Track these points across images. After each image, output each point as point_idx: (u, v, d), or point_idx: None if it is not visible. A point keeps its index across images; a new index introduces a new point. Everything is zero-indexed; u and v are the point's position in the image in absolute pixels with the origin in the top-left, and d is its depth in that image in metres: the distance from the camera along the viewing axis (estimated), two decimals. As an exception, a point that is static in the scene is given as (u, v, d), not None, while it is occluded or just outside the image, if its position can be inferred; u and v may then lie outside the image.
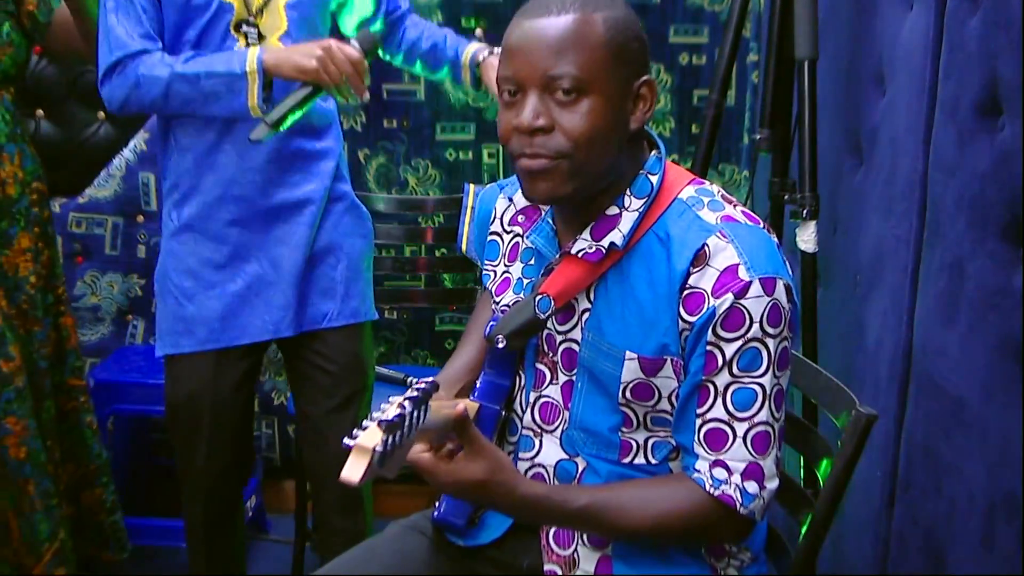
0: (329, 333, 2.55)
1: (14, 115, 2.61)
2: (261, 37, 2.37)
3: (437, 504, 1.86)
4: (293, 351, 2.58)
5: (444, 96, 3.48)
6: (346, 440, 1.36)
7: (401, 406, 1.38)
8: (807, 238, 2.39)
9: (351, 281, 2.56)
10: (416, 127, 3.50)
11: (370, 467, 1.34)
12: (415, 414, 1.40)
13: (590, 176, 1.59)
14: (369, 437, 1.35)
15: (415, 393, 1.41)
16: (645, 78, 1.60)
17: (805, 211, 2.39)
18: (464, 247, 3.34)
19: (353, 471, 1.35)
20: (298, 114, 2.32)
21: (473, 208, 3.32)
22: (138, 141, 3.42)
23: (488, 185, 1.99)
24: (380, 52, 2.53)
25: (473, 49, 2.62)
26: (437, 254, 3.56)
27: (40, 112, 3.38)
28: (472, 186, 3.39)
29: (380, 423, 1.35)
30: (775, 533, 1.88)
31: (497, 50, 2.52)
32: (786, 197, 2.54)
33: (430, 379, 1.48)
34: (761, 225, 1.62)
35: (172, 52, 2.37)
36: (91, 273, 3.52)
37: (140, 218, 3.49)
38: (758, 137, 2.65)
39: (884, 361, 2.28)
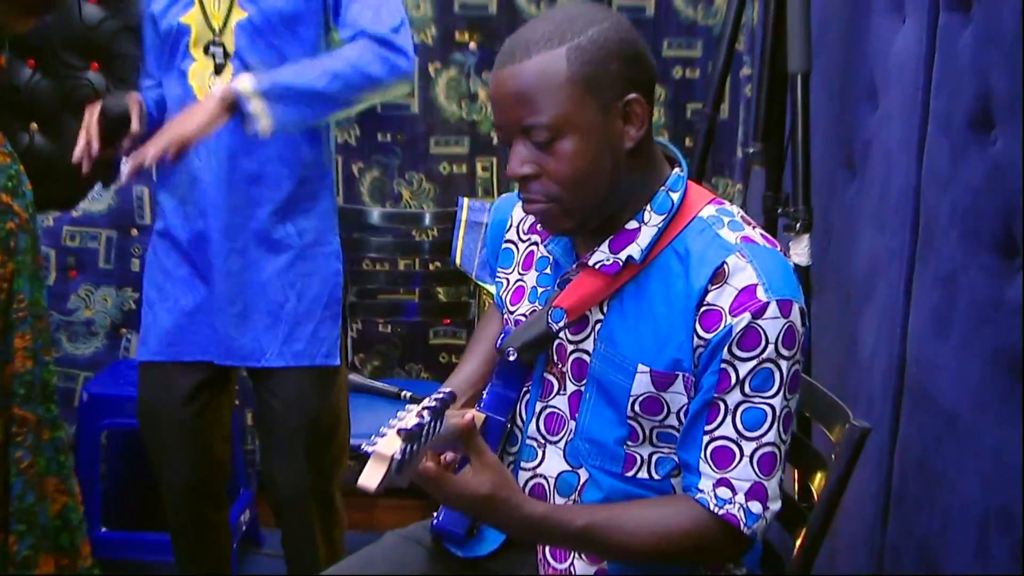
0: (276, 369, 2.50)
1: None
2: (227, 55, 2.36)
3: (436, 513, 1.86)
4: (254, 378, 2.56)
5: (438, 110, 3.49)
6: (364, 446, 1.36)
7: (420, 415, 1.38)
8: (800, 251, 2.39)
9: (299, 323, 2.48)
10: (410, 140, 3.51)
11: (387, 475, 1.35)
12: (432, 424, 1.40)
13: (587, 210, 1.61)
14: (388, 445, 1.35)
15: (433, 403, 1.42)
16: (631, 96, 1.57)
17: (798, 224, 2.39)
18: (458, 260, 3.35)
19: (371, 478, 1.35)
20: None
21: (466, 220, 3.33)
22: (132, 155, 3.42)
23: (505, 195, 2.01)
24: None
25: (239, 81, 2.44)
26: (431, 267, 3.56)
27: (34, 126, 3.38)
28: (466, 199, 3.40)
29: (399, 431, 1.35)
30: (770, 547, 1.88)
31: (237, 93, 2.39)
32: (779, 210, 2.54)
33: (447, 389, 1.48)
34: (778, 248, 1.63)
35: (158, 76, 2.49)
36: (85, 287, 3.52)
37: (134, 232, 3.49)
38: (751, 150, 2.65)
39: (878, 374, 2.29)
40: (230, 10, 2.35)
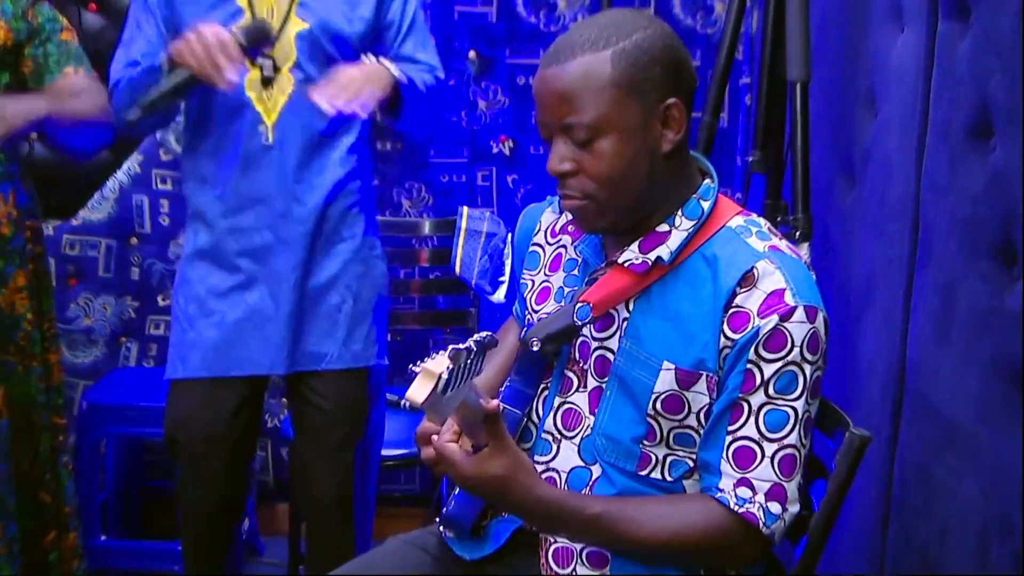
0: (329, 373, 2.53)
1: (8, 154, 2.59)
2: (276, 69, 2.39)
3: (446, 503, 1.86)
4: (294, 386, 2.58)
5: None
6: (411, 367, 1.42)
7: (468, 344, 1.45)
8: (800, 259, 2.39)
9: (355, 325, 2.53)
10: (410, 150, 3.51)
11: (434, 392, 1.40)
12: (476, 358, 1.47)
13: (622, 208, 1.65)
14: (437, 364, 1.41)
15: (480, 338, 1.48)
16: (671, 100, 1.63)
17: (798, 232, 2.39)
18: (457, 269, 3.34)
19: (418, 392, 1.41)
20: (174, 99, 2.35)
21: (465, 229, 3.33)
22: (132, 164, 3.42)
23: (534, 203, 2.04)
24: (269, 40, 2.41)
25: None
26: (431, 276, 3.56)
27: (34, 135, 3.38)
28: (466, 209, 3.40)
29: (448, 351, 1.41)
30: (771, 555, 1.87)
31: (396, 71, 2.47)
32: (779, 219, 2.54)
33: (490, 333, 1.53)
34: (803, 260, 1.66)
35: None
36: (84, 295, 3.52)
37: (134, 240, 3.49)
38: (751, 159, 2.65)
39: (877, 382, 2.29)
40: (286, 21, 2.36)
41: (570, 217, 1.84)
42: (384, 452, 3.02)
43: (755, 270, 1.59)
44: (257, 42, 2.34)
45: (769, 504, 1.60)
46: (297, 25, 2.39)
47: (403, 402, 1.46)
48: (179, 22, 2.41)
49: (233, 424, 2.54)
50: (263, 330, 2.48)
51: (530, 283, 1.89)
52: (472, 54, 3.45)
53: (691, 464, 1.68)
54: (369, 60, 2.41)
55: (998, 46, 1.80)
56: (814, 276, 1.67)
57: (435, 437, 1.62)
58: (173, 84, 2.27)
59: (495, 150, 3.52)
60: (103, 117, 2.54)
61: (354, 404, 2.56)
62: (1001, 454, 1.78)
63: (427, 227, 3.48)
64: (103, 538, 3.22)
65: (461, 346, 1.43)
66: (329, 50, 2.43)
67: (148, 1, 2.44)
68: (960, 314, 1.93)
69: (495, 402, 1.54)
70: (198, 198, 2.50)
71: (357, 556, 2.60)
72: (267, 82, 2.40)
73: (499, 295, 3.29)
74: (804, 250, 2.41)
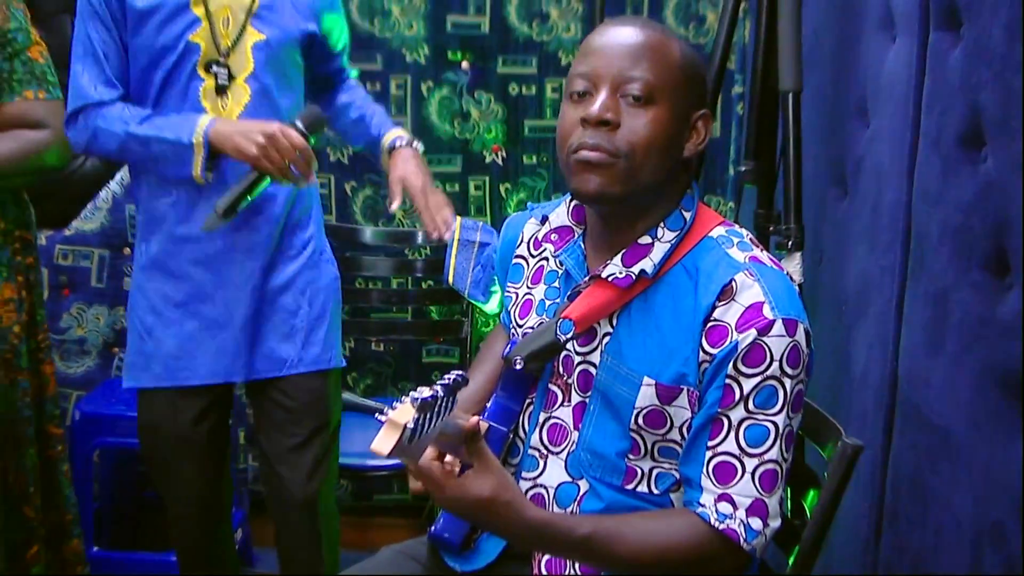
0: (290, 376, 2.54)
1: None
2: (231, 77, 2.38)
3: (435, 521, 1.86)
4: (257, 388, 2.58)
5: (430, 129, 3.49)
6: (377, 416, 1.40)
7: (434, 389, 1.42)
8: (792, 269, 2.39)
9: (313, 328, 2.54)
10: (403, 159, 3.50)
11: (400, 442, 1.38)
12: (446, 400, 1.44)
13: (640, 185, 1.63)
14: (402, 413, 1.39)
15: (447, 381, 1.45)
16: (703, 111, 1.68)
17: (790, 242, 2.39)
18: (450, 279, 3.34)
19: (383, 443, 1.39)
20: (249, 199, 2.34)
21: (459, 239, 3.33)
22: (124, 174, 3.41)
23: (516, 213, 2.02)
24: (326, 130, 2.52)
25: (394, 135, 2.61)
26: (424, 286, 3.56)
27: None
28: (459, 218, 3.39)
29: (413, 400, 1.39)
30: (764, 565, 1.87)
31: (416, 143, 2.57)
32: (771, 228, 2.54)
33: (460, 372, 1.50)
34: (785, 272, 1.66)
35: (140, 94, 2.41)
36: (77, 306, 3.51)
37: (126, 251, 3.48)
38: (743, 169, 2.65)
39: (870, 391, 2.29)
40: (242, 31, 2.36)
41: (555, 225, 1.82)
42: (376, 463, 3.01)
43: (734, 283, 1.59)
44: (315, 129, 2.39)
45: (750, 520, 1.59)
46: (254, 36, 2.39)
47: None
48: (136, 33, 2.37)
49: (198, 430, 2.55)
50: (218, 339, 2.48)
51: (514, 296, 1.89)
52: (465, 64, 3.46)
53: (677, 477, 1.68)
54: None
55: (989, 56, 1.80)
56: (798, 288, 1.67)
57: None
58: (245, 186, 2.32)
59: (488, 160, 3.52)
60: (24, 163, 2.53)
61: (318, 402, 2.56)
62: (993, 462, 1.78)
63: (420, 237, 3.49)
64: (96, 549, 3.21)
65: (427, 393, 1.40)
66: (285, 60, 2.44)
67: (99, 13, 2.38)
68: (952, 323, 1.94)
69: (474, 419, 1.53)
70: (151, 204, 2.47)
71: (326, 566, 2.61)
72: (221, 90, 2.39)
73: (492, 305, 3.29)
74: (796, 260, 2.41)
